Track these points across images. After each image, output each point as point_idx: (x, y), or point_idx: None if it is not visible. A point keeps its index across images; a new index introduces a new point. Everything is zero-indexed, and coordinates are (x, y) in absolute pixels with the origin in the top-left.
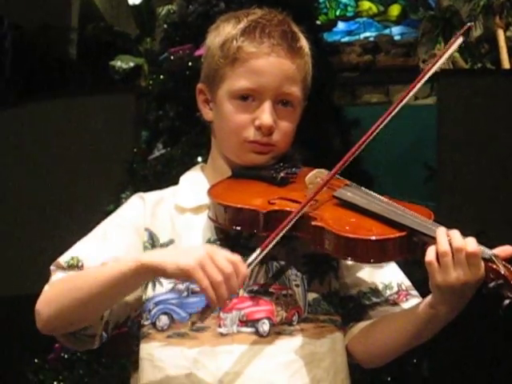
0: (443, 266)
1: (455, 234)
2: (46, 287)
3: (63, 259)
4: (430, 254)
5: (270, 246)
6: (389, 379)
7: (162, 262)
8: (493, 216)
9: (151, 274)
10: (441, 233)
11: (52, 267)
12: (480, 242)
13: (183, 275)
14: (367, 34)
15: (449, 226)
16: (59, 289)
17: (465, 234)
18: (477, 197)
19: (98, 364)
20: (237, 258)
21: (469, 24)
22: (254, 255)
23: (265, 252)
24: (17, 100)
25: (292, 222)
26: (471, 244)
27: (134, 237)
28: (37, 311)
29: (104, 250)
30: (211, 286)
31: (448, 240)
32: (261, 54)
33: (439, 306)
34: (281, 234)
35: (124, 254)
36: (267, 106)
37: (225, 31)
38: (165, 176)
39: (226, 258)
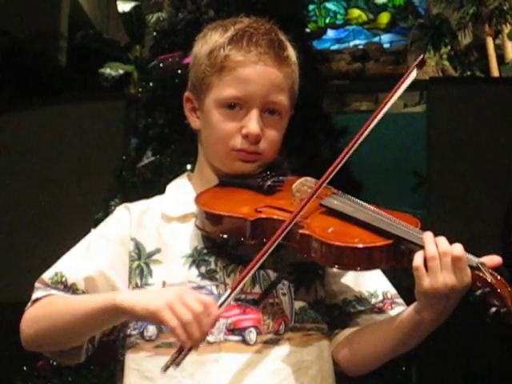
0: (430, 271)
1: (441, 239)
2: (29, 305)
3: (47, 276)
4: (418, 259)
5: (241, 285)
6: None
7: (132, 305)
8: (482, 224)
9: (121, 315)
10: (428, 238)
11: (36, 284)
12: (468, 249)
13: (152, 317)
14: (357, 41)
15: (438, 234)
16: (40, 312)
17: (454, 242)
18: (466, 205)
19: (87, 371)
20: (207, 299)
21: (422, 56)
22: (225, 295)
23: (237, 290)
24: (6, 107)
25: (267, 253)
26: (457, 248)
27: (118, 248)
28: (20, 329)
29: (87, 264)
30: (181, 326)
31: (435, 245)
32: (248, 63)
33: (424, 314)
34: (257, 266)
35: (108, 265)
36: (254, 114)
37: (212, 40)
38: (154, 183)
39: (195, 298)
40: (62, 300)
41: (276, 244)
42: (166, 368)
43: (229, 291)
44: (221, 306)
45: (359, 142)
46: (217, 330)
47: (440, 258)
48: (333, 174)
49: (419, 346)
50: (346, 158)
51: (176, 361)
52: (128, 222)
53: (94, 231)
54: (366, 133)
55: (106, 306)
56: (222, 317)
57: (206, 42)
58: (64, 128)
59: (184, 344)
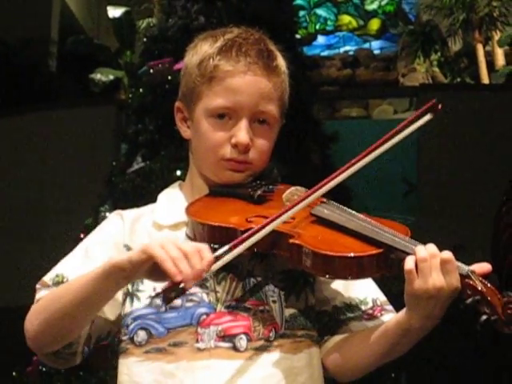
0: (421, 273)
1: (431, 245)
2: (33, 306)
3: (48, 277)
4: (410, 263)
5: (243, 245)
6: None
7: (129, 257)
8: (472, 231)
9: (120, 271)
10: (419, 245)
11: (37, 286)
12: (458, 256)
13: (146, 257)
14: (347, 47)
15: (428, 241)
16: (43, 304)
17: (444, 249)
18: (456, 212)
19: (76, 377)
20: (202, 245)
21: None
22: (223, 249)
23: (237, 250)
24: None
25: (267, 229)
26: (446, 252)
27: (113, 252)
28: (25, 329)
29: (88, 266)
30: (171, 259)
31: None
32: (237, 73)
33: (412, 320)
34: (255, 238)
35: None
36: (243, 124)
37: (202, 50)
38: (144, 189)
39: (190, 244)
40: (63, 287)
41: (257, 238)
42: (155, 295)
43: (227, 247)
44: (217, 257)
45: (353, 169)
46: (207, 336)
47: (429, 260)
48: (325, 189)
49: (409, 353)
50: (338, 178)
51: (166, 292)
52: (121, 229)
53: (88, 237)
54: (364, 161)
55: (104, 270)
56: (213, 324)
57: (196, 52)
58: (54, 133)
59: (174, 278)
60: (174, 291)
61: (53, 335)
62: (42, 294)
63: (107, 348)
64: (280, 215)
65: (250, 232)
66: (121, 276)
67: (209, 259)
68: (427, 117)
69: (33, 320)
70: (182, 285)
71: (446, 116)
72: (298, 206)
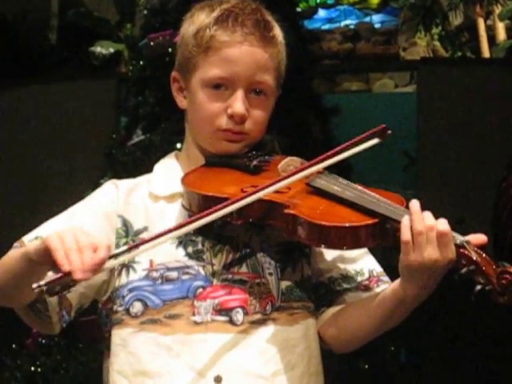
0: (416, 245)
1: (428, 214)
2: None
3: (27, 238)
4: (407, 234)
5: (141, 248)
6: (366, 366)
7: (34, 245)
8: (472, 204)
9: (29, 259)
10: (415, 214)
11: (15, 244)
12: (458, 230)
13: (44, 246)
14: (348, 21)
15: None
16: None
17: None
18: (456, 185)
19: (76, 349)
20: (101, 241)
21: (383, 126)
22: (122, 248)
23: (150, 244)
24: None
25: (183, 229)
26: (442, 223)
27: (102, 222)
28: None
29: None
30: (63, 249)
31: (421, 220)
32: (233, 43)
33: (407, 289)
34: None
35: None
36: (239, 94)
37: (198, 20)
38: (144, 162)
39: (87, 235)
40: (5, 256)
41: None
42: (37, 286)
43: (126, 247)
44: (115, 256)
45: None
46: (204, 310)
47: (426, 232)
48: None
49: (408, 327)
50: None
51: (51, 284)
52: (115, 198)
53: (78, 203)
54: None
55: (22, 255)
56: (210, 297)
57: (193, 22)
58: (54, 106)
59: (62, 267)
60: (59, 284)
61: (3, 291)
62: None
63: (96, 321)
64: (242, 198)
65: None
66: (31, 264)
67: (101, 256)
68: (374, 140)
69: None
70: (69, 277)
71: (446, 89)
72: (277, 184)
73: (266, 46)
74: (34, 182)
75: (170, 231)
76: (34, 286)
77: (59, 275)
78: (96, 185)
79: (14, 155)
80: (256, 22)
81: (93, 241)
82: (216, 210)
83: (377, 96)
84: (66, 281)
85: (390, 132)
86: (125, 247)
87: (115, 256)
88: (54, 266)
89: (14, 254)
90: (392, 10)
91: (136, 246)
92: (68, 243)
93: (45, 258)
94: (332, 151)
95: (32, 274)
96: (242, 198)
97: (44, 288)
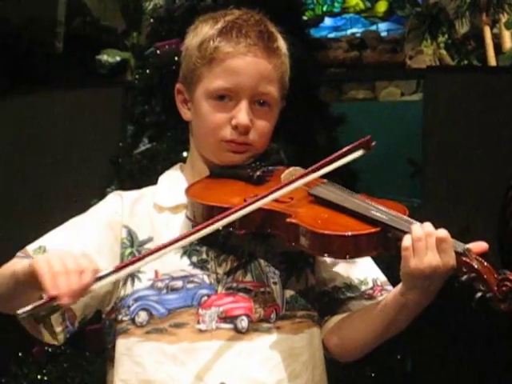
0: (416, 252)
1: (427, 223)
2: None
3: (31, 247)
4: (407, 241)
5: (129, 268)
6: (372, 375)
7: (23, 266)
8: (477, 213)
9: (19, 278)
10: (415, 223)
11: (18, 253)
12: (464, 238)
13: (32, 269)
14: (354, 30)
15: (433, 223)
16: None
17: (449, 231)
18: (461, 193)
19: (82, 358)
20: (89, 265)
21: (368, 137)
22: (108, 270)
23: (137, 265)
24: (1, 93)
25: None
26: (442, 231)
27: (107, 233)
28: None
29: (72, 242)
30: (50, 274)
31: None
32: (237, 54)
33: (408, 295)
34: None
35: (93, 248)
36: (243, 105)
37: (202, 32)
38: (150, 170)
39: (75, 258)
40: (6, 265)
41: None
42: (22, 312)
43: (112, 268)
44: (101, 278)
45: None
46: (208, 318)
47: (425, 238)
48: (323, 171)
49: (414, 335)
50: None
51: (36, 309)
52: (120, 209)
53: (82, 214)
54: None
55: (19, 271)
56: (214, 305)
57: (197, 34)
58: (60, 115)
59: (48, 292)
60: (45, 309)
61: (2, 301)
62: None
63: (100, 331)
64: (239, 209)
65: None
66: (18, 284)
67: (87, 280)
68: (359, 152)
69: None
70: (56, 301)
71: (452, 98)
72: (277, 192)
73: (269, 57)
74: (39, 190)
75: (171, 243)
76: (19, 312)
77: (45, 300)
78: (102, 193)
79: (19, 163)
80: (260, 33)
81: (80, 264)
82: (218, 220)
83: (383, 104)
84: (52, 304)
85: (374, 144)
86: (111, 268)
87: (101, 278)
88: (41, 289)
89: (5, 270)
90: (398, 18)
91: (121, 268)
92: (54, 268)
93: (31, 281)
94: (317, 164)
95: (21, 292)
96: (244, 207)
97: (29, 313)
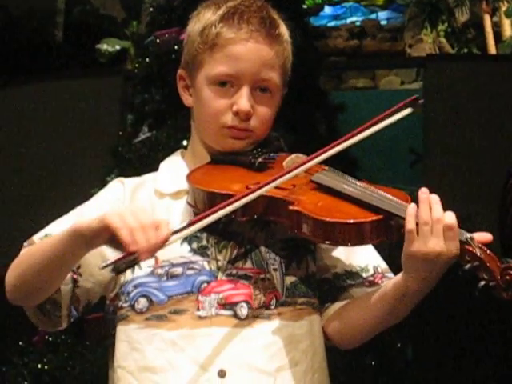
0: (421, 235)
1: (436, 205)
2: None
3: (37, 236)
4: (411, 223)
5: (204, 222)
6: (373, 363)
7: (88, 223)
8: (478, 201)
9: (80, 237)
10: (423, 202)
11: (25, 243)
12: (465, 227)
13: (103, 225)
14: (354, 18)
15: None
16: (20, 259)
17: None
18: (462, 182)
19: (83, 347)
20: (162, 220)
21: (415, 97)
22: (182, 224)
23: (197, 225)
24: (1, 83)
25: (235, 206)
26: (449, 217)
27: None
28: (5, 283)
29: None
30: (127, 228)
31: (429, 209)
32: (239, 40)
33: (409, 281)
34: (218, 214)
35: None
36: (245, 91)
37: (204, 17)
38: (150, 159)
39: (147, 214)
40: (37, 244)
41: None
42: (104, 265)
43: (186, 223)
44: (175, 232)
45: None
46: (208, 304)
47: (432, 223)
48: (326, 155)
49: (415, 324)
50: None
51: (117, 263)
52: (122, 196)
53: (86, 202)
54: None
55: (69, 233)
56: (214, 292)
57: (199, 19)
58: (60, 104)
59: (128, 247)
60: (125, 262)
61: (26, 289)
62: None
63: (103, 319)
64: (254, 190)
65: (222, 204)
66: (81, 241)
67: (165, 234)
68: (407, 110)
69: (10, 273)
70: (135, 256)
71: (452, 86)
72: (282, 177)
73: (271, 44)
74: (39, 180)
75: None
76: (102, 265)
77: (123, 254)
78: (102, 182)
79: (19, 153)
80: (262, 19)
81: (153, 217)
82: (222, 207)
83: (383, 93)
84: (130, 259)
85: (421, 101)
86: (185, 223)
87: (175, 232)
88: (113, 243)
89: (52, 239)
90: (398, 6)
91: (196, 221)
92: (130, 222)
93: (101, 236)
94: (367, 124)
95: (72, 256)
96: (250, 193)
97: (111, 266)
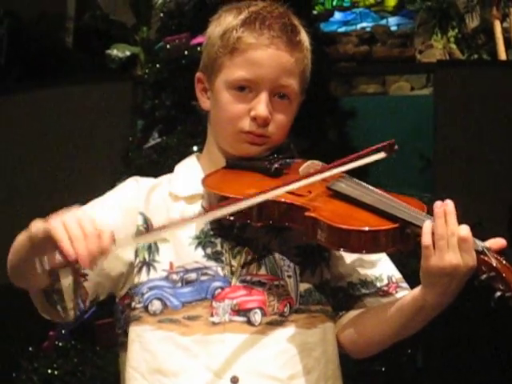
0: (437, 250)
1: (451, 215)
2: None
3: None
4: (427, 238)
5: (218, 213)
6: (383, 369)
7: (37, 228)
8: (488, 208)
9: (31, 240)
10: (438, 217)
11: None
12: (475, 233)
13: (47, 233)
14: (364, 24)
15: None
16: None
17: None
18: (472, 188)
19: (93, 352)
20: (105, 228)
21: (392, 141)
22: (124, 237)
23: (158, 232)
24: (12, 88)
25: (229, 211)
26: (464, 230)
27: (123, 218)
28: None
29: None
30: (68, 238)
31: (444, 223)
32: (260, 46)
33: (427, 296)
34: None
35: (109, 229)
36: (263, 97)
37: (226, 21)
38: (160, 165)
39: (91, 222)
40: (18, 236)
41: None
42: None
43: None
44: (119, 242)
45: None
46: (222, 310)
47: (447, 237)
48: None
49: (425, 330)
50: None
51: (61, 269)
52: (136, 195)
53: (101, 197)
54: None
55: (27, 234)
56: (228, 298)
57: (220, 23)
58: (71, 109)
59: (68, 257)
60: (71, 269)
61: (16, 273)
62: None
63: (114, 324)
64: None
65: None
66: (33, 245)
67: (106, 243)
68: (381, 154)
69: (9, 255)
70: (76, 265)
71: (462, 92)
72: (298, 183)
73: (292, 50)
74: (50, 185)
75: (192, 218)
76: (45, 268)
77: (65, 262)
78: (113, 187)
79: (30, 158)
80: (283, 25)
81: (96, 225)
82: (233, 205)
83: (393, 99)
84: (75, 267)
85: (396, 148)
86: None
87: (119, 242)
88: (58, 251)
89: (20, 237)
90: (408, 12)
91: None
92: (73, 230)
93: (48, 243)
94: (337, 161)
95: (33, 254)
96: (265, 192)
97: (52, 273)
